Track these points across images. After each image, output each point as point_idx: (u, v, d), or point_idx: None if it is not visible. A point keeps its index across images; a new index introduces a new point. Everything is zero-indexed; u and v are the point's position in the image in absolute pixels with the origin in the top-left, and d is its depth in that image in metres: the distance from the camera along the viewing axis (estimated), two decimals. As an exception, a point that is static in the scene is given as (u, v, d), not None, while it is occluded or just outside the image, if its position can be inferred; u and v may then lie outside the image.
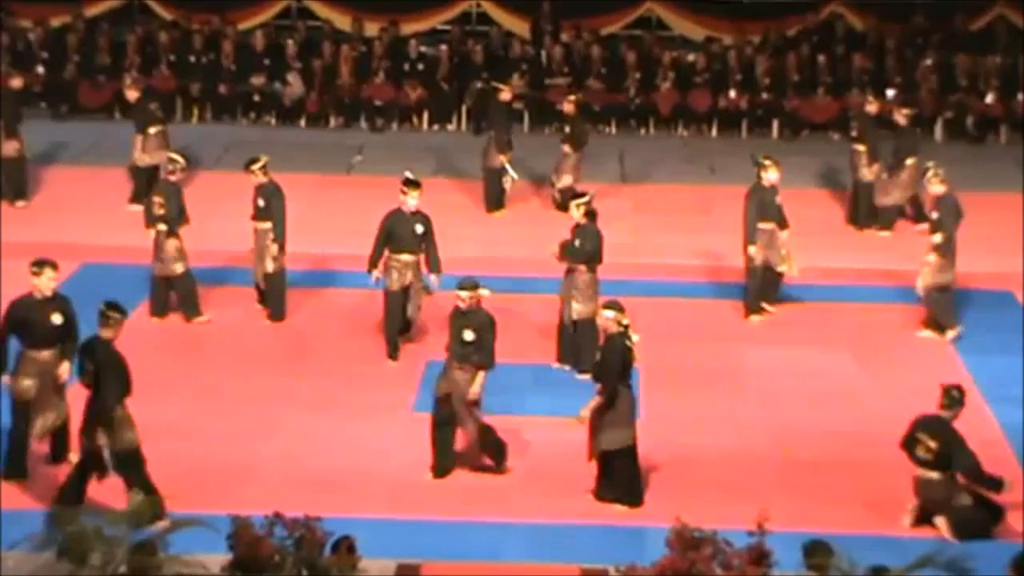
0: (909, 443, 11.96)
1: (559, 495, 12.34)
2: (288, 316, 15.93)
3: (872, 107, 19.10)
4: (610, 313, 12.25)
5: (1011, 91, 23.20)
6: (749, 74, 23.49)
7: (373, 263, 14.85)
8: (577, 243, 14.63)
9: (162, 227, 15.54)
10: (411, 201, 14.83)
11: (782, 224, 16.06)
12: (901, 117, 18.90)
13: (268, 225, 15.70)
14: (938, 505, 11.78)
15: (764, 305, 16.18)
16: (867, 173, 18.77)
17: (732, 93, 23.39)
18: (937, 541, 10.41)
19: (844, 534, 10.81)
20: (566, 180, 19.17)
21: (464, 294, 12.59)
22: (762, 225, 15.90)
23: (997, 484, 11.71)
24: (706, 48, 23.95)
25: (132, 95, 19.55)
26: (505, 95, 19.68)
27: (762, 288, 16.15)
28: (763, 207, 15.93)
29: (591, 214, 14.72)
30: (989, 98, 23.20)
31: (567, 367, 14.69)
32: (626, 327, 12.14)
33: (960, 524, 11.61)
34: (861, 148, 18.84)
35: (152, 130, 19.01)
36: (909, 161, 18.45)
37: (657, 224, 19.29)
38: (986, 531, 11.57)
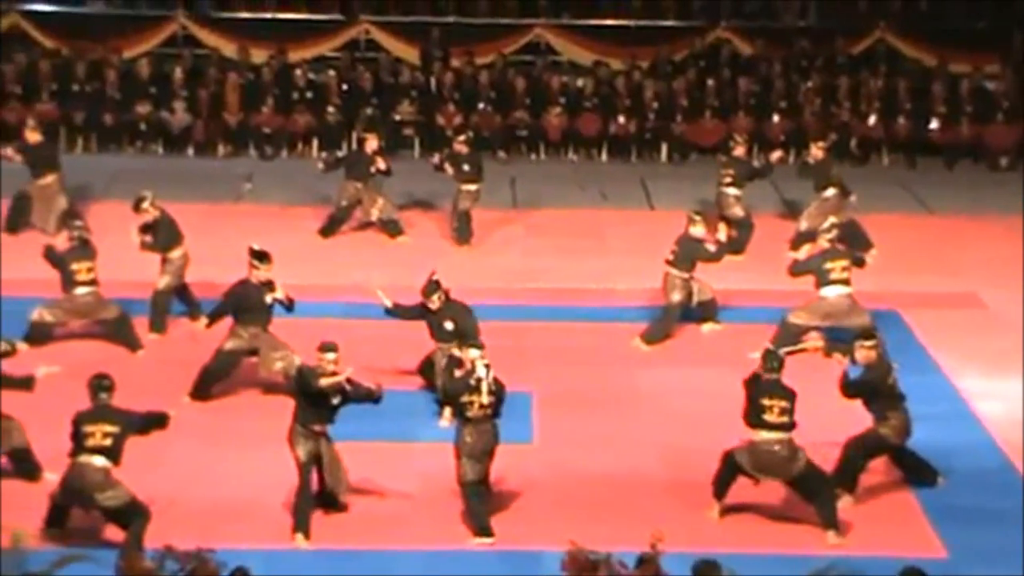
0: (756, 411, 12.29)
1: (455, 521, 12.30)
2: (177, 345, 15.77)
3: (739, 151, 19.20)
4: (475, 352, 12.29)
5: (891, 114, 23.59)
6: (638, 98, 23.67)
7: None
8: None
9: None
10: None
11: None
12: (818, 151, 19.03)
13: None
14: (781, 469, 12.23)
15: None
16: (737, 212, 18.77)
17: (621, 118, 23.55)
18: (829, 558, 10.49)
19: (736, 553, 10.92)
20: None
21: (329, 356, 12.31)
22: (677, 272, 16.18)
23: None
24: (595, 73, 24.11)
25: (33, 137, 19.24)
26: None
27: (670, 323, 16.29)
28: (689, 255, 16.16)
29: None
30: (871, 120, 23.59)
31: None
32: None
33: (802, 483, 12.21)
34: (732, 192, 18.78)
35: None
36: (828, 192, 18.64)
37: (549, 248, 19.36)
38: (825, 486, 12.24)
